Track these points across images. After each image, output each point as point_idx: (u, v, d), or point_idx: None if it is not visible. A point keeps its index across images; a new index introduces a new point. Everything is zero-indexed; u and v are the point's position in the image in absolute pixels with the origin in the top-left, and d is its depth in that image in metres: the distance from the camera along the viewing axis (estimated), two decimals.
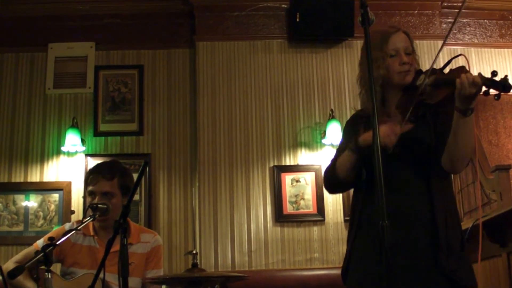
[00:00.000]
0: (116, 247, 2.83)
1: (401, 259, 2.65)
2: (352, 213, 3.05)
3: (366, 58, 2.81)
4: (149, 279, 3.47)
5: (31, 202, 6.46)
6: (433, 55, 6.76)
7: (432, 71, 2.77)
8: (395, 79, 2.96)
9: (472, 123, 2.70)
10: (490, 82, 2.53)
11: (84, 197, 6.35)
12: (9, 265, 3.73)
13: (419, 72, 2.76)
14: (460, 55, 2.79)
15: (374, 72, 2.88)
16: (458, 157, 2.75)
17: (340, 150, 3.02)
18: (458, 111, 2.65)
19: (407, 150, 2.84)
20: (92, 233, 3.91)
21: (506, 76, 2.53)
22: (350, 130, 3.08)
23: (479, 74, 2.59)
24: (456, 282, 2.73)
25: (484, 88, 2.57)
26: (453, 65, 2.89)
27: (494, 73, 2.53)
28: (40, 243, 3.87)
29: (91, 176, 3.91)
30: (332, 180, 3.04)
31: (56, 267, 3.91)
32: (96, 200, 3.81)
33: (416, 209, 2.79)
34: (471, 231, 5.21)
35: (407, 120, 2.83)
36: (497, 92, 2.55)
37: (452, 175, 2.96)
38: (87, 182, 3.93)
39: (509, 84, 2.50)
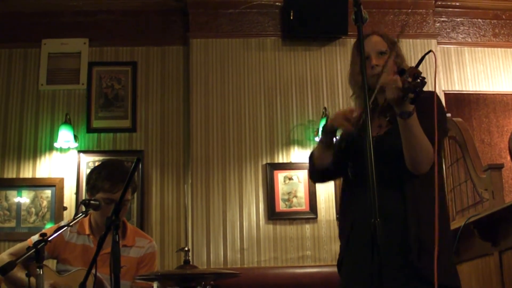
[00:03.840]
0: (107, 249, 2.82)
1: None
2: (342, 210, 3.15)
3: (355, 58, 3.02)
4: (140, 276, 3.46)
5: (24, 198, 6.45)
6: None
7: (400, 72, 2.75)
8: (369, 83, 2.93)
9: (413, 127, 2.71)
10: (407, 84, 2.52)
11: (77, 194, 6.35)
12: (3, 257, 3.72)
13: (402, 71, 2.75)
14: (429, 51, 2.76)
15: (352, 79, 3.09)
16: (411, 160, 2.77)
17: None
18: (396, 114, 2.68)
19: (383, 151, 2.86)
20: (88, 232, 3.87)
21: (421, 80, 2.51)
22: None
23: (404, 74, 2.58)
24: (430, 281, 2.69)
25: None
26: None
27: (415, 76, 2.51)
28: (35, 238, 3.85)
29: (110, 183, 3.73)
30: (310, 168, 3.20)
31: (53, 263, 3.91)
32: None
33: (389, 208, 2.80)
34: (463, 230, 5.23)
35: (388, 121, 2.89)
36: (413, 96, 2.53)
37: (436, 174, 2.95)
38: (101, 188, 3.74)
39: (421, 90, 2.50)
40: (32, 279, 3.06)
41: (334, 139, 2.96)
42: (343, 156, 3.06)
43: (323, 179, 3.37)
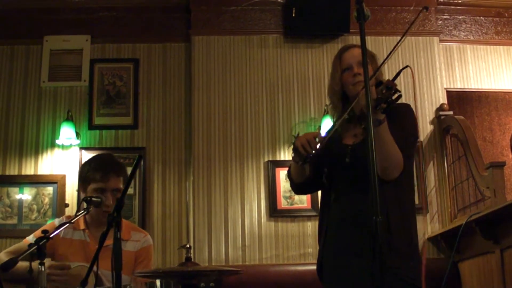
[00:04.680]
0: (107, 241, 2.83)
1: (352, 259, 3.00)
2: (321, 213, 3.35)
3: (336, 69, 3.25)
4: (141, 273, 3.46)
5: (25, 195, 6.45)
6: (428, 51, 6.77)
7: (377, 84, 2.84)
8: (350, 91, 3.20)
9: (383, 135, 2.87)
10: (380, 95, 2.70)
11: (79, 191, 6.34)
12: (1, 256, 3.72)
13: (379, 83, 2.83)
14: (406, 66, 2.90)
15: (332, 89, 3.31)
16: (381, 166, 2.86)
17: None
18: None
19: (358, 158, 3.04)
20: (83, 226, 3.89)
21: (395, 92, 2.70)
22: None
23: (380, 86, 2.75)
24: (402, 279, 2.91)
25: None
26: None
27: (388, 87, 2.69)
28: (30, 239, 3.87)
29: (101, 173, 3.82)
30: (290, 183, 3.45)
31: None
32: (106, 201, 3.78)
33: (359, 212, 2.98)
34: (465, 227, 5.24)
35: (363, 129, 3.04)
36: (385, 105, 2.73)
37: (407, 180, 3.12)
38: (93, 178, 3.82)
39: (392, 100, 2.70)
40: (34, 264, 3.06)
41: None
42: (319, 165, 3.26)
43: (304, 192, 3.65)
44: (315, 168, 3.26)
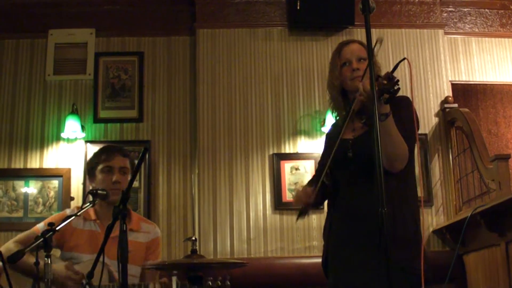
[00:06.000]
0: (116, 232, 2.84)
1: (356, 252, 3.05)
2: (328, 208, 3.45)
3: (335, 63, 3.32)
4: (149, 266, 3.47)
5: (31, 188, 6.47)
6: (433, 44, 6.76)
7: (376, 78, 2.84)
8: (348, 86, 3.26)
9: (390, 128, 2.89)
10: (382, 86, 2.70)
11: (84, 184, 6.36)
12: (9, 245, 3.74)
13: (378, 77, 2.84)
14: (404, 59, 2.89)
15: (332, 83, 3.39)
16: (388, 158, 2.91)
17: (319, 164, 3.56)
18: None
19: (359, 153, 3.09)
20: (93, 217, 3.93)
21: (395, 82, 2.70)
22: (327, 144, 3.53)
23: (380, 79, 2.74)
24: (407, 271, 2.93)
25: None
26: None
27: (390, 77, 2.68)
28: (40, 226, 3.88)
29: (106, 153, 3.97)
30: None
31: (57, 253, 3.92)
32: (114, 177, 3.90)
33: (363, 205, 3.04)
34: (470, 220, 5.25)
35: (363, 124, 3.13)
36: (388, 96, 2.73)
37: (409, 172, 3.16)
38: (98, 161, 3.96)
39: (395, 90, 2.69)
40: (41, 266, 3.08)
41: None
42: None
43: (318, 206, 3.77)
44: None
